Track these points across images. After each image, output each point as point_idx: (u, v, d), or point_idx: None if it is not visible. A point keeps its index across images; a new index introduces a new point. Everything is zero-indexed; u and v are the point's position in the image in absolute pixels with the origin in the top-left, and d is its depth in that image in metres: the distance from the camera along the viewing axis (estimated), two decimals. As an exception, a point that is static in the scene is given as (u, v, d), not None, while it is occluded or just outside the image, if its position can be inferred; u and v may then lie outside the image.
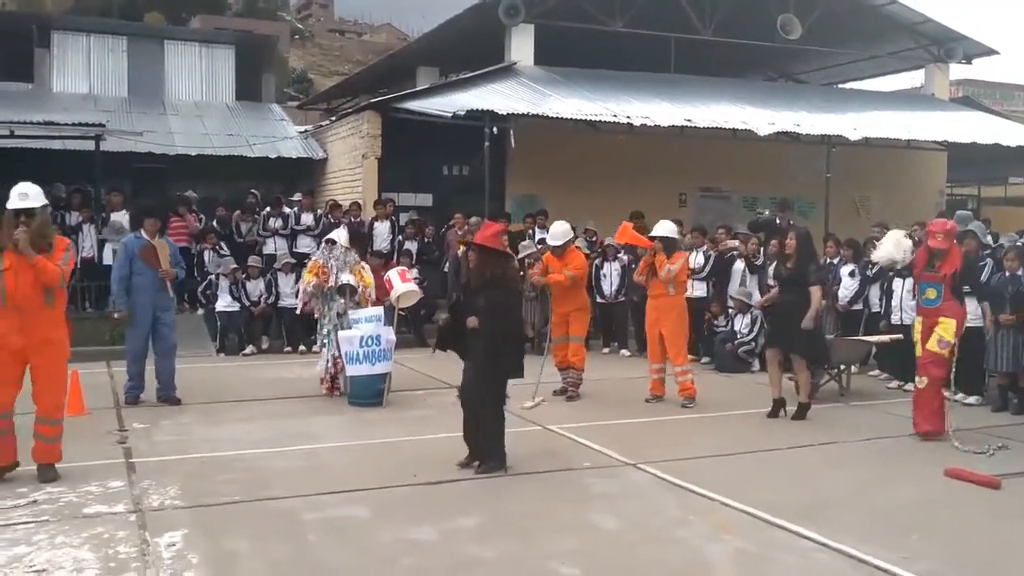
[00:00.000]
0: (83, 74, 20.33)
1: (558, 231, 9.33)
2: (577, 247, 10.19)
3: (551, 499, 5.91)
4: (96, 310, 12.75)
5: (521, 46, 17.30)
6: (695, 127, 15.25)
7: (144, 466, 6.51)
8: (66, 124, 13.45)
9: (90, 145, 13.54)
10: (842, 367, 9.70)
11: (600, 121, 15.03)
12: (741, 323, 11.43)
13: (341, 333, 8.94)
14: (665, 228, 9.24)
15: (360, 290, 9.29)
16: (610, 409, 8.87)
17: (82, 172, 14.71)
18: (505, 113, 14.00)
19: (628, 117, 14.82)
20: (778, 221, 13.10)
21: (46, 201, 6.43)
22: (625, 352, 12.65)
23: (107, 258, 13.19)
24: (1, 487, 5.85)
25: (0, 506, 5.49)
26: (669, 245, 9.13)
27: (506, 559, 4.83)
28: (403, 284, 9.48)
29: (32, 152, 15.25)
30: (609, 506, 5.75)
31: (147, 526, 5.18)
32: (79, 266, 12.97)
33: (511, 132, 14.08)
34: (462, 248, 11.81)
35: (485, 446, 6.41)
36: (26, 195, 6.15)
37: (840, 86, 23.62)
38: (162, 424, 7.97)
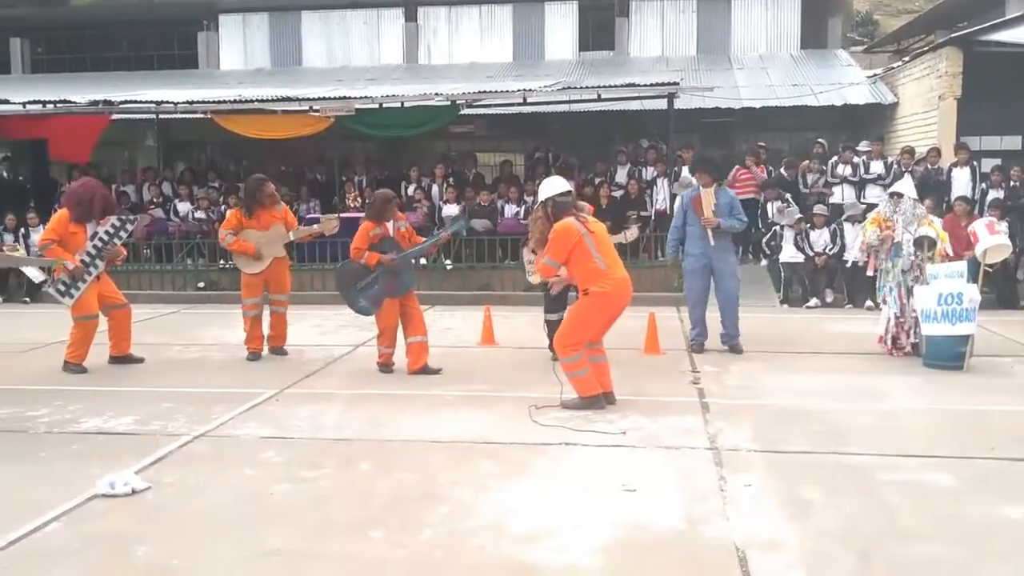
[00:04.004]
0: (656, 38, 21.74)
1: None
2: None
3: None
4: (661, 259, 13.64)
5: None
6: None
7: (716, 406, 6.79)
8: (644, 85, 14.34)
9: (663, 104, 14.36)
10: None
11: None
12: None
13: (917, 289, 8.37)
14: None
15: (939, 244, 8.57)
16: None
17: (656, 129, 15.81)
18: None
19: None
20: None
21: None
22: None
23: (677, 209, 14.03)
24: (596, 415, 6.54)
25: (594, 429, 6.17)
26: None
27: None
28: (991, 237, 8.58)
29: (615, 113, 16.90)
30: None
31: (723, 463, 5.41)
32: (651, 217, 14.10)
33: None
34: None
35: None
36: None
37: None
38: (731, 369, 8.25)
